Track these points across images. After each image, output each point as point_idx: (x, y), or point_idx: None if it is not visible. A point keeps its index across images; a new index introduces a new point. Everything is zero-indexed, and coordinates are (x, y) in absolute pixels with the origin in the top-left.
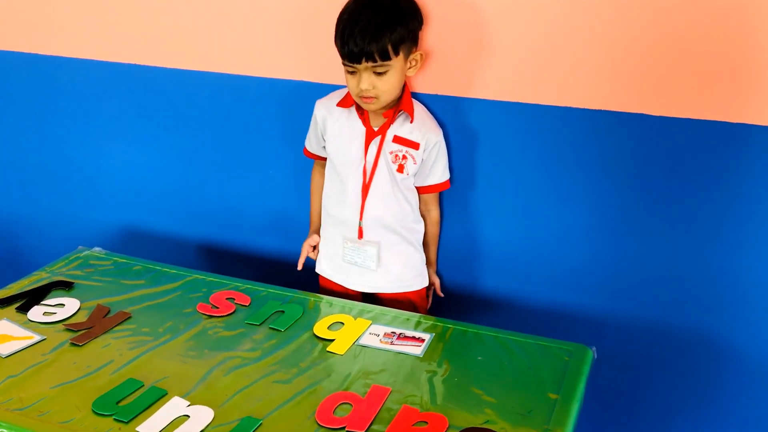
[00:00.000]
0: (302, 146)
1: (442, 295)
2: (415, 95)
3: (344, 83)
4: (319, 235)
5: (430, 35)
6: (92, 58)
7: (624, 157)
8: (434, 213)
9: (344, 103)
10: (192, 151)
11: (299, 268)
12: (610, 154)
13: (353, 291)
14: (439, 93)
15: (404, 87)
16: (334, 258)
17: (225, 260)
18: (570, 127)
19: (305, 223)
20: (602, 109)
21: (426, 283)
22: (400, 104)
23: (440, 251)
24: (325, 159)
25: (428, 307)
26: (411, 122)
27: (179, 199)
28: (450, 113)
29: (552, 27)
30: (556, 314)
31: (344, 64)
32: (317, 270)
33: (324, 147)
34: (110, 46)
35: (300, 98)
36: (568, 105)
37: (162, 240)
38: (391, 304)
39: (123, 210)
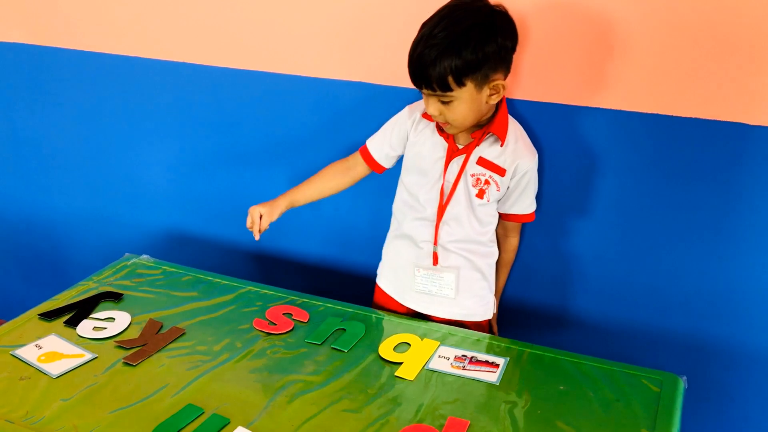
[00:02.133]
0: (358, 148)
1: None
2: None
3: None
4: (281, 212)
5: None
6: (138, 56)
7: (716, 166)
8: (512, 241)
9: (429, 115)
10: (240, 153)
11: (257, 238)
12: (702, 162)
13: (410, 310)
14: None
15: (499, 106)
16: (403, 278)
17: (273, 267)
18: (659, 134)
19: (360, 231)
20: (698, 117)
21: (489, 316)
22: (491, 126)
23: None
24: (378, 170)
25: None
26: (501, 146)
27: (225, 204)
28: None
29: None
30: (630, 336)
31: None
32: (378, 281)
33: (391, 155)
34: (156, 44)
35: (356, 100)
36: (657, 112)
37: (206, 245)
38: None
39: (166, 214)
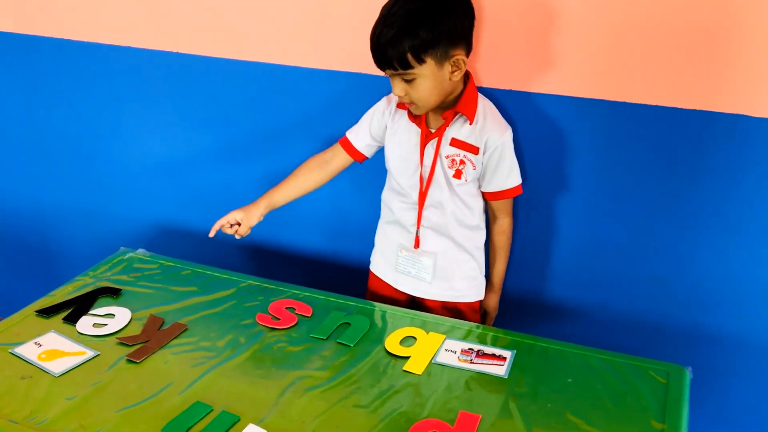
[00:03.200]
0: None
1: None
2: (484, 90)
3: None
4: (261, 215)
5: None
6: (127, 45)
7: (716, 159)
8: (501, 223)
9: (402, 104)
10: (233, 144)
11: (211, 235)
12: (699, 155)
13: (403, 294)
14: (509, 88)
15: (466, 84)
16: (390, 258)
17: (269, 260)
18: (658, 126)
19: (357, 222)
20: (697, 108)
21: (481, 297)
22: (457, 104)
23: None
24: (360, 159)
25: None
26: (471, 124)
27: (216, 195)
28: (523, 109)
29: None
30: (634, 327)
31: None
32: (371, 267)
33: (372, 144)
34: (146, 33)
35: (350, 90)
36: (656, 103)
37: (198, 239)
38: (440, 312)
39: (156, 207)
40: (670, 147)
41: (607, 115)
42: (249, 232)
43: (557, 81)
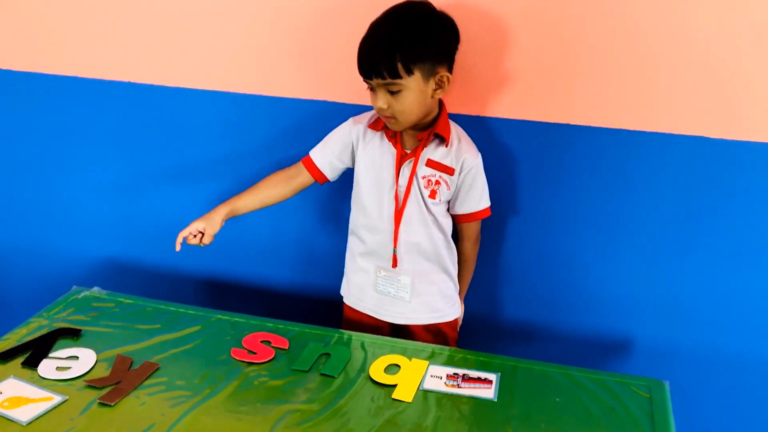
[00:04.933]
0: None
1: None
2: (452, 116)
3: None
4: (221, 221)
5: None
6: (69, 75)
7: (672, 180)
8: (468, 243)
9: (375, 125)
10: (177, 173)
11: (177, 249)
12: (657, 176)
13: (382, 322)
14: (469, 113)
15: (441, 108)
16: (365, 288)
17: (227, 293)
18: (617, 149)
19: (317, 250)
20: (649, 131)
21: (458, 314)
22: (435, 126)
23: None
24: (321, 180)
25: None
26: (446, 146)
27: (170, 228)
28: (479, 134)
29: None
30: (599, 344)
31: (364, 80)
32: (345, 300)
33: (336, 166)
34: (88, 61)
35: (300, 116)
36: (619, 127)
37: (148, 273)
38: (423, 335)
39: (101, 241)
40: (627, 167)
41: (560, 138)
42: (212, 240)
43: (510, 105)
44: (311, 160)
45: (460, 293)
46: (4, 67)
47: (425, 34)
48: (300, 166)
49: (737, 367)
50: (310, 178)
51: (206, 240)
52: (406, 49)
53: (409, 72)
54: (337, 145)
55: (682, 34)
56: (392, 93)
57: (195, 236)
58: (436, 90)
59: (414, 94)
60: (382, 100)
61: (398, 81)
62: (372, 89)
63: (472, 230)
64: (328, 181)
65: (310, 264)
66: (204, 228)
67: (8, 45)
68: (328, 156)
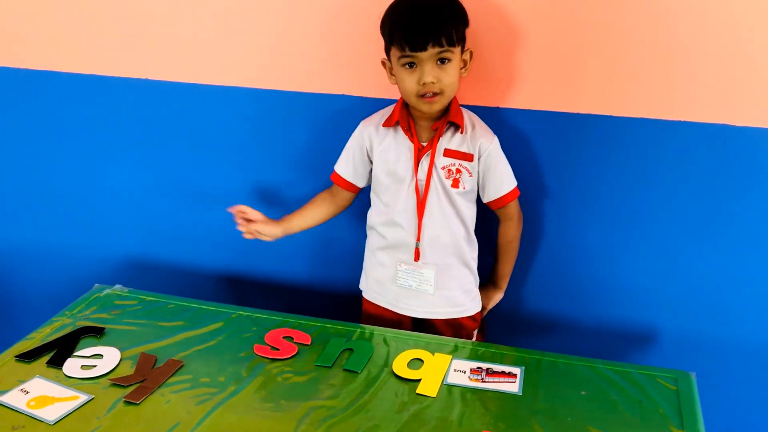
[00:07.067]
0: (335, 162)
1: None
2: (469, 108)
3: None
4: (275, 237)
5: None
6: (90, 73)
7: (695, 168)
8: (509, 226)
9: (389, 122)
10: (201, 173)
11: (232, 210)
12: (680, 165)
13: (402, 316)
14: (486, 105)
15: (453, 97)
16: (385, 282)
17: (246, 289)
18: (638, 138)
19: (335, 244)
20: (670, 119)
21: (479, 308)
22: (449, 114)
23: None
24: (354, 191)
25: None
26: (461, 133)
27: (187, 226)
28: (502, 125)
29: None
30: (623, 336)
31: (403, 57)
32: (364, 294)
33: (361, 173)
34: (110, 59)
35: (321, 111)
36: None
37: (169, 271)
38: (444, 329)
39: (123, 240)
40: (647, 156)
41: (580, 128)
42: (254, 237)
43: (528, 95)
44: (337, 174)
45: (503, 276)
46: (29, 67)
47: (460, 12)
48: (334, 183)
49: (764, 357)
50: (346, 192)
51: (253, 231)
52: (457, 16)
53: (460, 40)
54: (355, 153)
55: (703, 18)
56: (442, 63)
57: (248, 221)
58: (462, 68)
59: (457, 68)
60: (431, 74)
61: (451, 49)
62: (411, 66)
63: (509, 213)
64: (360, 189)
65: (329, 258)
66: (262, 224)
67: (31, 43)
68: (350, 166)
